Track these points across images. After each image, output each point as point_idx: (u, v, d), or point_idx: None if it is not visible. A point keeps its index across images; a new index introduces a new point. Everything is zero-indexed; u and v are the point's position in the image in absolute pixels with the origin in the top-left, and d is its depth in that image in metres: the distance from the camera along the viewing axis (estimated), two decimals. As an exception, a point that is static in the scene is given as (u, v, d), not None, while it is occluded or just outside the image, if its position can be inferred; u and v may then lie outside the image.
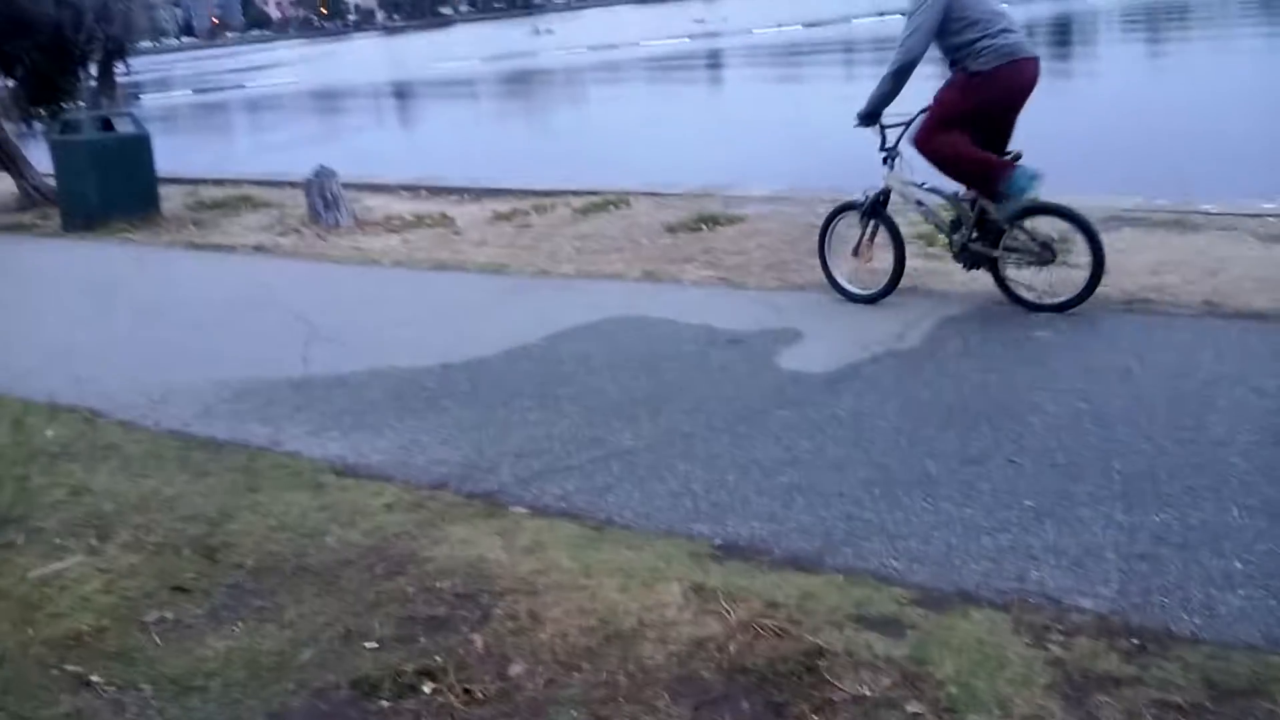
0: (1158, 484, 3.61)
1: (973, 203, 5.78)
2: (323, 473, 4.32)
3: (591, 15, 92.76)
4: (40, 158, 13.69)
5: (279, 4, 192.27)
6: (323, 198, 10.17)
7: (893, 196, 6.11)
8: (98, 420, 5.17)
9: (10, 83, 14.32)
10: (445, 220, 9.97)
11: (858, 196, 6.20)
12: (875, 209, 6.11)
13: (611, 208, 9.61)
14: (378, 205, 11.08)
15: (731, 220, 8.47)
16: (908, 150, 5.93)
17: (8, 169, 13.69)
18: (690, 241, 8.01)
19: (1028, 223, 5.59)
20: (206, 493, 4.17)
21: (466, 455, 4.42)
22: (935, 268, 6.57)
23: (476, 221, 9.92)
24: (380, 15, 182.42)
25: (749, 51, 40.27)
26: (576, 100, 33.50)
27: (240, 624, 3.21)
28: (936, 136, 5.69)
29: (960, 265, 5.99)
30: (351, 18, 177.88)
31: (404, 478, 4.24)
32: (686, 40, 45.43)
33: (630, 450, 4.33)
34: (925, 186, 6.03)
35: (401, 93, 41.37)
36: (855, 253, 6.23)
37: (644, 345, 5.70)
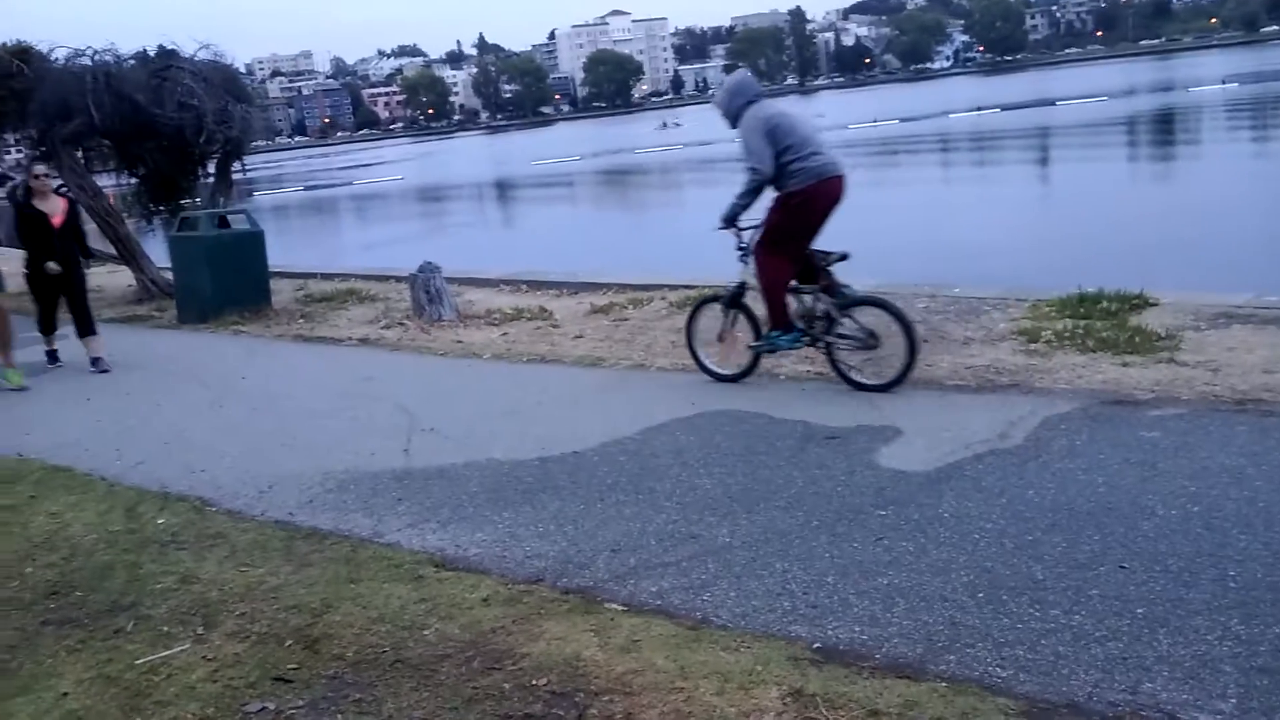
0: (1277, 593, 3.45)
1: (813, 295, 6.61)
2: (422, 565, 4.36)
3: (695, 112, 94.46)
4: (158, 252, 14.37)
5: (387, 104, 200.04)
6: (426, 292, 10.44)
7: (748, 289, 6.89)
8: (207, 509, 5.32)
9: (133, 181, 15.11)
10: (544, 314, 10.14)
11: (721, 290, 7.09)
12: (735, 300, 6.96)
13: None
14: (479, 299, 11.33)
15: (828, 315, 8.45)
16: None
17: (128, 263, 14.38)
18: (786, 336, 8.00)
19: (855, 313, 6.40)
20: (309, 583, 4.24)
21: (563, 549, 4.43)
22: (1036, 364, 6.46)
23: (574, 315, 10.07)
24: (484, 115, 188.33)
25: (843, 146, 40.48)
26: (671, 196, 33.98)
27: (339, 716, 3.23)
28: (764, 256, 6.58)
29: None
30: (456, 117, 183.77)
31: (501, 571, 4.27)
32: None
33: (726, 547, 4.29)
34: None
35: (503, 189, 42.48)
36: (720, 339, 7.07)
37: (739, 440, 5.68)
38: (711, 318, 7.13)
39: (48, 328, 9.58)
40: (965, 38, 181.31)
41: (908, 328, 6.17)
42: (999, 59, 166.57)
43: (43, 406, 8.12)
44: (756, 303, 6.85)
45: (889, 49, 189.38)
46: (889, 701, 3.02)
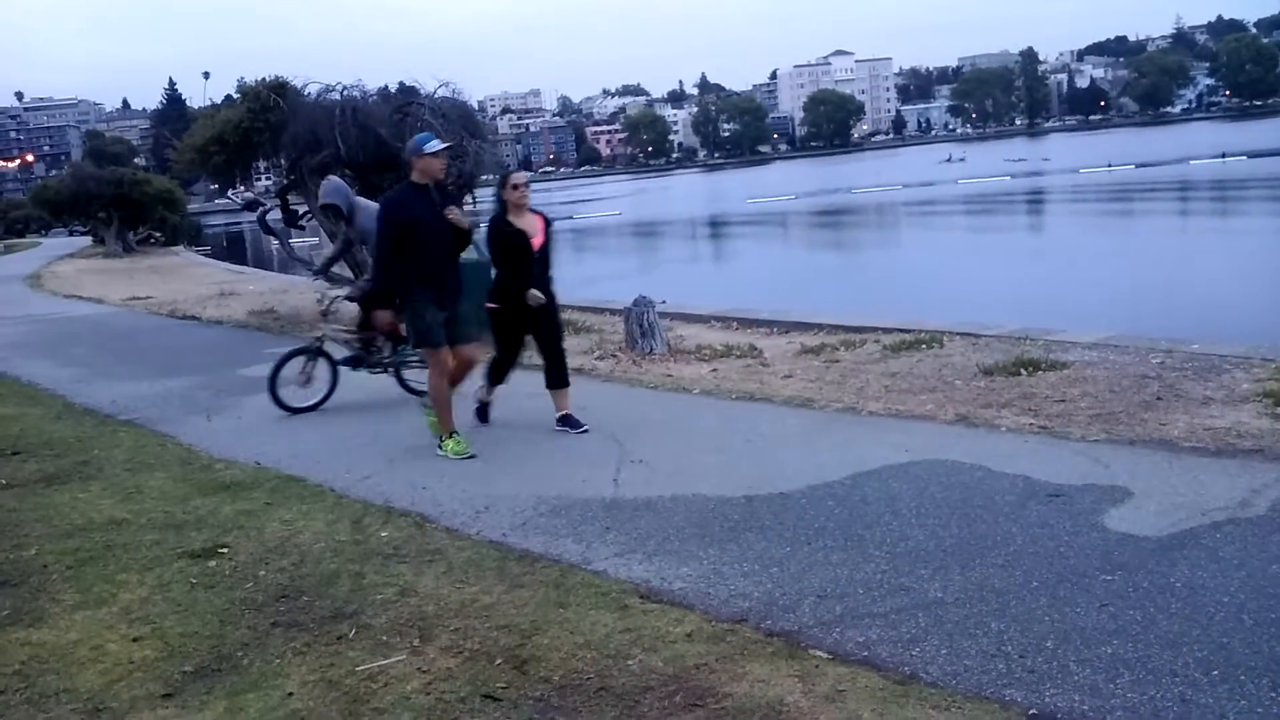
0: None
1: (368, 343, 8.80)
2: (628, 595, 4.41)
3: (908, 154, 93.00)
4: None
5: (609, 141, 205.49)
6: (640, 325, 10.62)
7: (327, 341, 8.87)
8: (427, 525, 5.55)
9: (374, 209, 16.02)
10: (754, 352, 10.14)
11: (308, 343, 8.97)
12: (319, 350, 8.82)
13: (923, 346, 9.45)
14: (690, 334, 11.43)
15: (1054, 366, 8.11)
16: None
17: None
18: (1008, 386, 7.72)
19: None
20: (520, 604, 4.36)
21: (768, 591, 4.40)
22: (1287, 429, 5.99)
23: (784, 354, 10.02)
24: (702, 153, 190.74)
25: (1074, 191, 38.91)
26: (887, 237, 33.44)
27: (543, 738, 3.30)
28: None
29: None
30: (675, 155, 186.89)
31: (705, 607, 4.26)
32: (1007, 179, 44.52)
33: (938, 602, 4.15)
34: (338, 330, 9.09)
35: (717, 226, 42.83)
36: (303, 383, 8.76)
37: (955, 492, 5.50)
38: (293, 368, 8.80)
39: (500, 374, 7.85)
40: (1210, 81, 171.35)
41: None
42: (1247, 104, 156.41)
43: (287, 423, 8.64)
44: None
45: (1125, 91, 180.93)
46: (1112, 780, 2.85)
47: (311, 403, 8.77)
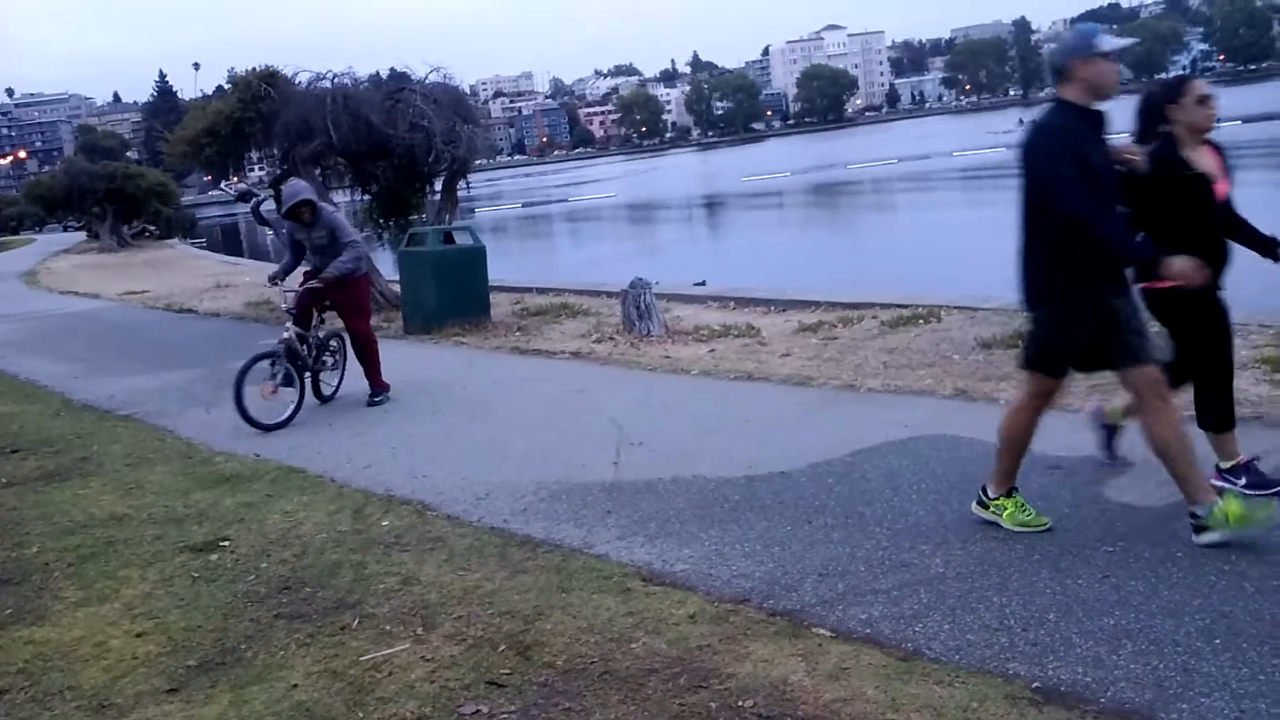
0: None
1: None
2: (630, 578, 4.41)
3: (903, 127, 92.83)
4: (386, 266, 15.14)
5: (602, 123, 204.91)
6: (636, 307, 10.61)
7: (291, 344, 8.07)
8: (428, 513, 5.54)
9: (365, 198, 16.00)
10: (751, 331, 10.13)
11: (272, 347, 8.03)
12: (283, 355, 8.00)
13: (921, 321, 9.44)
14: (687, 315, 11.42)
15: (1050, 338, 8.08)
16: None
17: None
18: (1006, 359, 7.70)
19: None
20: (522, 590, 4.36)
21: (769, 571, 4.40)
22: (1286, 396, 5.98)
23: (782, 333, 10.01)
24: (695, 132, 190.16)
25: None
26: (884, 211, 33.37)
27: (548, 723, 3.30)
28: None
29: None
30: (669, 135, 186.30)
31: (707, 589, 4.27)
32: (1003, 151, 44.34)
33: (940, 578, 4.16)
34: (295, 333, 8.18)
35: (711, 206, 42.73)
36: (269, 392, 7.88)
37: (955, 466, 5.50)
38: (259, 372, 7.98)
39: (1226, 414, 4.80)
40: (1204, 46, 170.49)
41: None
42: (1241, 68, 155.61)
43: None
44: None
45: (1120, 59, 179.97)
46: (1116, 750, 2.85)
47: (283, 417, 7.91)
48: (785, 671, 3.48)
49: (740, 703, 3.30)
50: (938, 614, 3.84)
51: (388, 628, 4.11)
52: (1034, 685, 3.28)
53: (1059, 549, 4.30)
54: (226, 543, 5.24)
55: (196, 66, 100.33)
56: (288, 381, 8.04)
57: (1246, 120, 45.15)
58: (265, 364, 7.97)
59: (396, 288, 13.75)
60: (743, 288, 13.17)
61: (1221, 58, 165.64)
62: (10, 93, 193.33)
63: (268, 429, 7.74)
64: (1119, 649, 3.45)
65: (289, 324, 8.24)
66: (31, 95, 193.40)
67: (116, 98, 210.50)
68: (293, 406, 8.05)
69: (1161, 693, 3.16)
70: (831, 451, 5.94)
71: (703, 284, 14.17)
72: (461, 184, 15.40)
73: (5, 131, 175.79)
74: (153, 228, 45.73)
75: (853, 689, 3.32)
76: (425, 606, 4.27)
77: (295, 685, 3.67)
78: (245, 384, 7.77)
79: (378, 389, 8.61)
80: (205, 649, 4.03)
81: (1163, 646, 3.43)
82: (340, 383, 8.88)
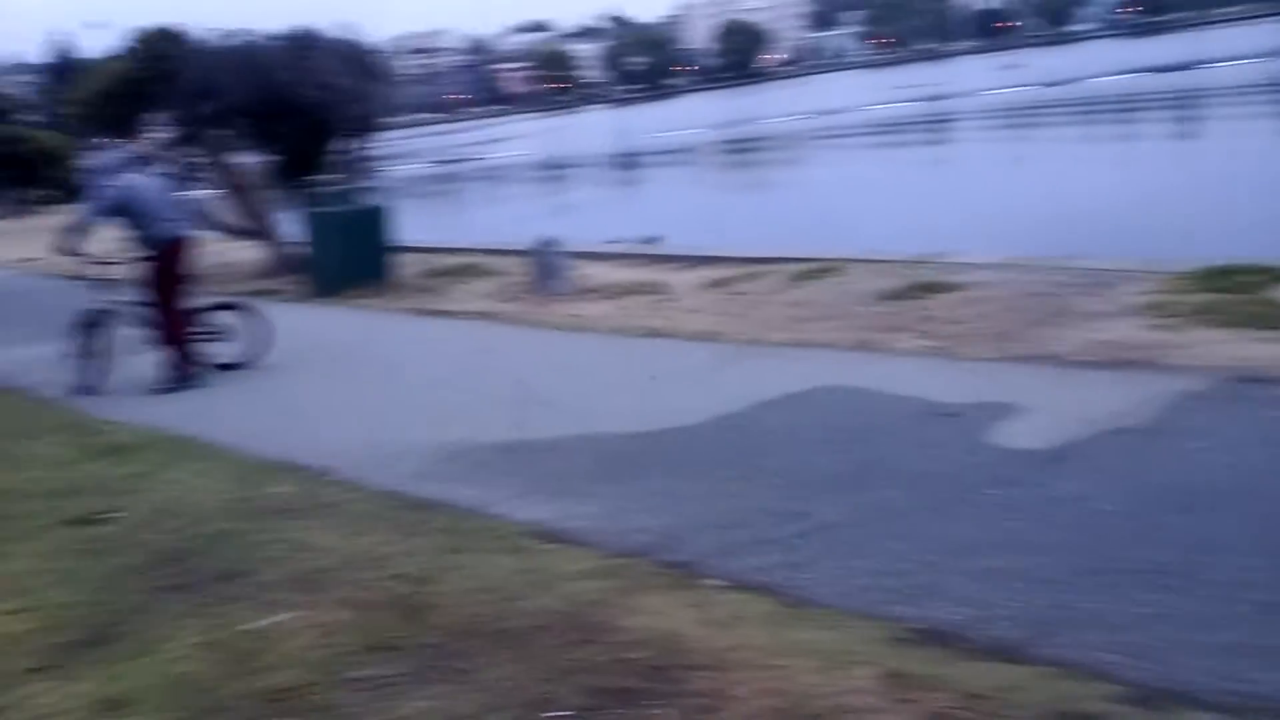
0: None
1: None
2: (525, 536, 4.38)
3: (818, 81, 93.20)
4: (289, 228, 14.80)
5: (518, 80, 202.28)
6: (544, 266, 10.51)
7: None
8: (323, 478, 5.43)
9: (270, 157, 15.59)
10: (660, 288, 10.11)
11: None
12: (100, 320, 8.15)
13: (825, 275, 9.50)
14: (597, 273, 11.35)
15: (951, 288, 8.20)
16: None
17: (259, 237, 14.84)
18: (906, 310, 7.81)
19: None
20: (416, 553, 4.30)
21: (667, 524, 4.40)
22: (1169, 340, 6.14)
23: (690, 289, 10.01)
24: (613, 88, 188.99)
25: (982, 113, 39.35)
26: (790, 167, 33.52)
27: (440, 684, 3.26)
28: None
29: None
30: (586, 91, 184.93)
31: (604, 544, 4.25)
32: (908, 105, 44.91)
33: (833, 525, 4.20)
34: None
35: (624, 163, 42.55)
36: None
37: (854, 417, 5.56)
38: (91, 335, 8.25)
39: None
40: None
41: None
42: (1146, 20, 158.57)
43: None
44: None
45: (1023, 10, 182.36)
46: (989, 684, 2.91)
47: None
48: (676, 623, 3.48)
49: (630, 655, 3.30)
50: (830, 561, 3.88)
51: (275, 596, 4.01)
52: (916, 626, 3.33)
53: (950, 495, 4.37)
54: (113, 515, 5.07)
55: (98, 26, 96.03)
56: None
57: (1157, 71, 46.15)
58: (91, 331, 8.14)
59: (296, 249, 13.43)
60: (654, 244, 13.14)
61: (1128, 9, 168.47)
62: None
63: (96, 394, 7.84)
64: (1000, 589, 3.52)
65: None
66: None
67: (18, 59, 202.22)
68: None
69: (1039, 629, 3.24)
70: (734, 405, 5.95)
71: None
72: (371, 143, 15.07)
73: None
74: (58, 192, 44.07)
75: (741, 636, 3.34)
76: (315, 573, 4.19)
77: (175, 658, 3.57)
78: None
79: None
80: (81, 625, 3.90)
81: (1043, 585, 3.51)
82: (241, 352, 8.46)
